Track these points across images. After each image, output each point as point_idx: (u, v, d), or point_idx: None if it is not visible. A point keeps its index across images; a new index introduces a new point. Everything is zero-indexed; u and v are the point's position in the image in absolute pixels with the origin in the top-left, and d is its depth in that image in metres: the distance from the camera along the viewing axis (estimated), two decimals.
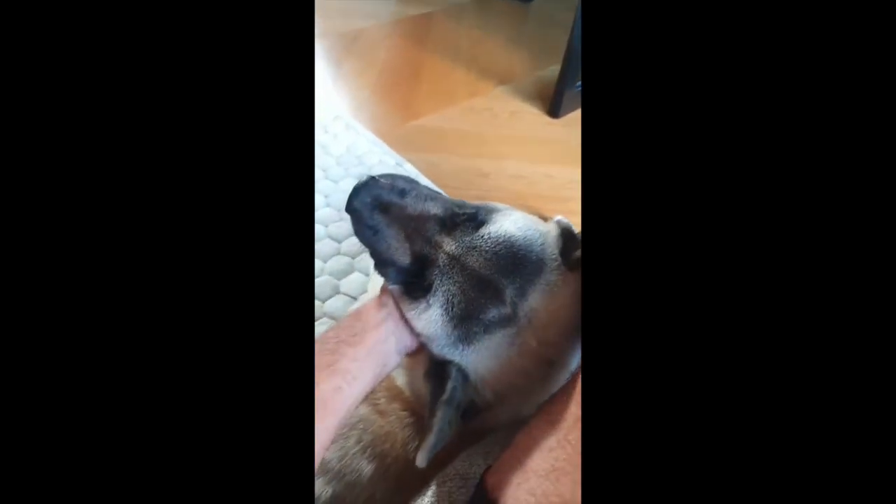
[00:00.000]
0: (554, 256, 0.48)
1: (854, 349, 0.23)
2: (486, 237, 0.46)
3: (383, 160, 1.33)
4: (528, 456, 0.41)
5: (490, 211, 0.49)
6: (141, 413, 0.26)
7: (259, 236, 0.30)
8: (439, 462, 0.53)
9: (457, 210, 0.48)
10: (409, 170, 1.30)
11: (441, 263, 0.45)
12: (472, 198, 1.25)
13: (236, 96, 0.30)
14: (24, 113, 0.26)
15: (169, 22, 0.29)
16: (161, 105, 0.28)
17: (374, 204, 0.44)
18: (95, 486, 0.25)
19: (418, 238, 0.45)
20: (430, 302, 0.45)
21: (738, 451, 0.24)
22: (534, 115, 1.57)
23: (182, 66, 0.29)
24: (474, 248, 0.45)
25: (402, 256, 0.46)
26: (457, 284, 0.44)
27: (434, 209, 0.47)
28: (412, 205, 0.46)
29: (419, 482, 0.51)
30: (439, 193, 0.49)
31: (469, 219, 0.47)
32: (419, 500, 0.49)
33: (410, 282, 0.46)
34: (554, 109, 1.55)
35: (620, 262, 0.28)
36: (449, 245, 0.45)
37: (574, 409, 0.39)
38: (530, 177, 1.35)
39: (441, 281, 0.45)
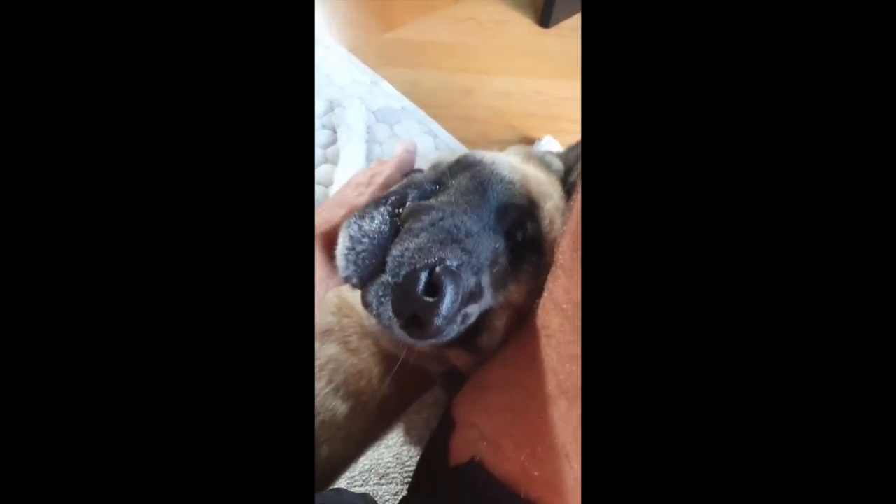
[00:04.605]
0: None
1: (854, 346, 0.22)
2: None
3: (356, 79, 1.22)
4: (483, 391, 0.42)
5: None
6: (138, 394, 0.25)
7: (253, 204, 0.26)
8: (416, 389, 0.52)
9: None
10: (385, 89, 1.20)
11: None
12: (455, 118, 1.21)
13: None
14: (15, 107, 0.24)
15: None
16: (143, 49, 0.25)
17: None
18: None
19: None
20: None
21: (738, 448, 0.23)
22: (522, 25, 1.44)
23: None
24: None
25: None
26: None
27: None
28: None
29: (397, 412, 0.51)
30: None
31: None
32: (397, 428, 0.49)
33: None
34: (544, 18, 1.41)
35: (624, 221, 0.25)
36: None
37: (525, 353, 0.38)
38: (518, 93, 1.26)
39: None
